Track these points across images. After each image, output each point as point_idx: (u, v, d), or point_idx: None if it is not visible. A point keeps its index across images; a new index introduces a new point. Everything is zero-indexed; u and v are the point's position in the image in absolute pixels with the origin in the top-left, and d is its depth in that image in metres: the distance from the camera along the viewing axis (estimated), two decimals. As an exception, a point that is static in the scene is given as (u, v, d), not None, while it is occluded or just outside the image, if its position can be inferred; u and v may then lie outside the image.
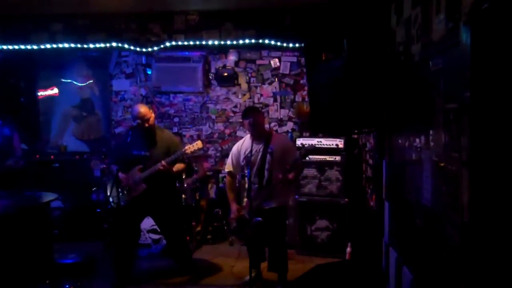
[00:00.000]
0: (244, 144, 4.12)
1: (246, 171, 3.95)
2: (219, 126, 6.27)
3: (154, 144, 4.25)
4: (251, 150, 3.84)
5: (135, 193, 4.19)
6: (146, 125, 4.17)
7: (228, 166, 4.21)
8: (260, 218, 3.65)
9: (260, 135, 4.00)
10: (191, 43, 5.89)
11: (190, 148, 4.15)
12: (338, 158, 5.01)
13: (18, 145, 5.01)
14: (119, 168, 4.30)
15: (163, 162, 4.07)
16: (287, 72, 6.09)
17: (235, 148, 4.20)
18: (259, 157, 3.97)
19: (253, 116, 3.96)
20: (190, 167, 5.44)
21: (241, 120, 6.12)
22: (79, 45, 6.00)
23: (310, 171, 5.08)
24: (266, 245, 4.12)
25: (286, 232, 4.26)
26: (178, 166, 4.29)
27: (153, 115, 4.27)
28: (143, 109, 4.22)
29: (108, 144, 6.33)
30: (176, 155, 4.13)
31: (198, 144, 4.19)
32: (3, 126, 4.90)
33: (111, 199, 4.33)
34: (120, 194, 4.26)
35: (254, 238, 3.87)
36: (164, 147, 4.23)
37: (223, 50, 6.13)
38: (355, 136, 5.28)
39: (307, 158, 5.06)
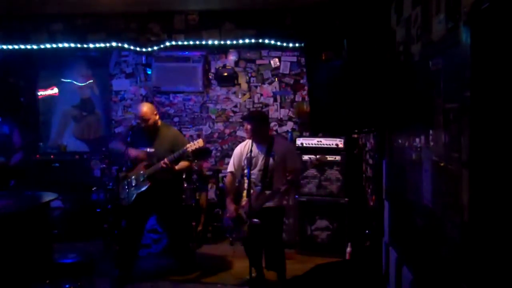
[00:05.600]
0: (246, 146, 4.14)
1: (246, 171, 3.96)
2: (219, 126, 6.27)
3: (158, 141, 4.29)
4: (252, 151, 3.86)
5: (139, 189, 4.22)
6: (143, 125, 4.21)
7: (230, 167, 4.24)
8: (258, 220, 3.67)
9: (260, 140, 4.03)
10: (191, 43, 5.89)
11: (192, 146, 4.18)
12: (338, 158, 5.01)
13: (18, 141, 4.99)
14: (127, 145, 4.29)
15: (165, 160, 4.11)
16: (287, 72, 6.08)
17: (237, 150, 4.24)
18: (261, 160, 4.01)
19: (252, 124, 4.00)
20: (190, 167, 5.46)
21: (241, 120, 6.14)
22: (79, 45, 5.99)
23: (310, 171, 5.08)
24: (263, 244, 4.13)
25: (285, 232, 4.27)
26: (182, 164, 4.32)
27: (156, 116, 4.31)
28: (145, 108, 4.27)
29: (108, 144, 6.33)
30: (178, 153, 4.16)
31: (199, 142, 4.22)
32: (2, 124, 4.89)
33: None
34: (126, 190, 4.26)
35: (250, 238, 3.88)
36: (168, 144, 4.27)
37: (223, 50, 6.12)
38: (355, 136, 5.28)
39: (308, 158, 5.07)
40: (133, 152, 4.27)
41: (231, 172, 4.23)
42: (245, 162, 4.06)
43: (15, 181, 5.07)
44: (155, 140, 4.30)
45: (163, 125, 4.50)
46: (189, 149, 4.19)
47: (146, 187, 4.20)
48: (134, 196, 4.23)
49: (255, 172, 3.99)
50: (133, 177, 4.29)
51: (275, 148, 4.02)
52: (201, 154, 5.36)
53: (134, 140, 4.29)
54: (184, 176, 5.26)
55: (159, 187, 4.23)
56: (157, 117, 4.35)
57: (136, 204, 4.25)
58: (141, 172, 4.23)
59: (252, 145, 3.87)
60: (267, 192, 3.93)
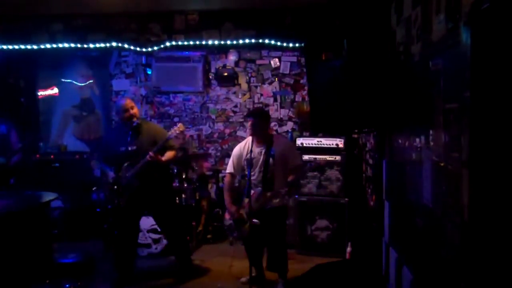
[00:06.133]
0: (246, 146, 4.13)
1: (247, 172, 3.95)
2: (219, 126, 6.27)
3: (140, 138, 4.22)
4: (252, 152, 3.85)
5: (130, 191, 4.16)
6: (131, 111, 4.15)
7: (229, 167, 4.21)
8: (257, 221, 3.67)
9: (260, 137, 4.02)
10: (191, 43, 5.89)
11: (172, 132, 4.16)
12: (338, 157, 5.01)
13: (16, 142, 4.99)
14: (108, 166, 4.30)
15: (150, 153, 4.04)
16: (287, 72, 6.08)
17: (237, 150, 4.21)
18: (261, 160, 3.99)
19: (256, 119, 3.98)
20: (188, 161, 5.47)
21: (241, 120, 6.15)
22: (79, 45, 5.99)
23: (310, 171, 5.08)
24: (265, 245, 4.13)
25: (286, 232, 4.27)
26: (168, 155, 4.26)
27: (136, 108, 4.27)
28: (127, 100, 4.28)
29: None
30: (161, 142, 4.12)
31: (180, 127, 4.20)
32: (0, 124, 4.88)
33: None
34: (118, 193, 4.25)
35: (250, 238, 3.89)
36: (150, 138, 4.21)
37: (223, 50, 6.13)
38: (355, 135, 5.28)
39: (307, 158, 5.07)
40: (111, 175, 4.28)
41: (230, 173, 4.21)
42: (245, 162, 4.05)
43: (15, 180, 5.06)
44: (136, 137, 4.21)
45: (142, 120, 4.46)
46: (171, 136, 4.17)
47: (137, 185, 4.13)
48: (126, 197, 4.17)
49: (255, 172, 3.98)
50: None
51: (275, 147, 4.01)
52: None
53: (118, 139, 4.22)
54: (184, 176, 5.27)
55: (149, 185, 4.19)
56: (137, 109, 4.31)
57: (129, 205, 4.19)
58: (127, 173, 4.17)
59: (252, 145, 3.88)
60: (268, 193, 3.92)
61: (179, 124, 4.23)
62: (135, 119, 4.17)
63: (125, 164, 4.18)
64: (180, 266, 4.48)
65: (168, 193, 4.60)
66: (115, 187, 4.22)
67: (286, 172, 3.98)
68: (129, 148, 4.19)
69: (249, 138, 4.13)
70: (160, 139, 4.17)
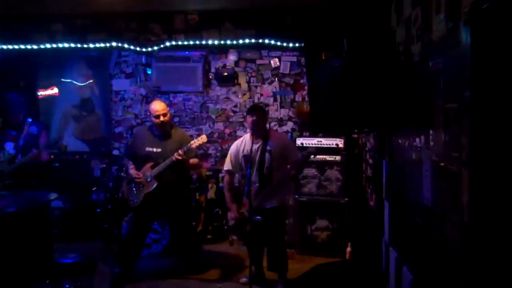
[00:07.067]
0: (243, 143, 4.14)
1: (246, 171, 3.96)
2: (219, 125, 6.27)
3: (167, 142, 4.30)
4: (250, 149, 3.86)
5: (147, 190, 4.21)
6: (162, 118, 4.21)
7: (227, 165, 4.22)
8: (259, 217, 3.67)
9: (259, 133, 4.02)
10: (191, 43, 5.88)
11: (195, 142, 4.19)
12: (338, 157, 5.02)
13: (43, 141, 4.95)
14: (133, 163, 4.35)
15: (179, 152, 4.09)
16: (287, 71, 6.08)
17: (234, 147, 4.22)
18: (258, 156, 3.99)
19: (257, 115, 3.99)
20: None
21: (241, 120, 6.15)
22: (79, 45, 5.98)
23: (310, 171, 5.08)
24: (266, 244, 4.13)
25: (286, 232, 4.27)
26: (194, 160, 4.34)
27: (169, 115, 4.33)
28: (162, 104, 4.33)
29: (108, 144, 6.35)
30: (183, 150, 4.16)
31: (203, 138, 4.24)
32: (31, 125, 4.86)
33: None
34: (134, 191, 4.28)
35: (253, 237, 3.89)
36: (176, 143, 4.27)
37: (223, 50, 6.12)
38: (355, 135, 5.28)
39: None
40: (132, 172, 4.33)
41: (228, 170, 4.21)
42: (243, 159, 4.06)
43: (37, 181, 5.00)
44: (164, 141, 4.30)
45: (172, 125, 4.52)
46: (193, 146, 4.19)
47: (154, 186, 4.19)
48: (142, 196, 4.23)
49: (253, 169, 3.99)
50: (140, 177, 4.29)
51: (272, 143, 4.01)
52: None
53: (146, 139, 4.32)
54: (195, 176, 5.30)
55: (167, 187, 4.23)
56: (169, 114, 4.39)
57: (144, 205, 4.25)
58: (148, 172, 4.23)
59: (249, 142, 3.88)
60: (266, 189, 3.92)
61: (203, 136, 4.27)
62: (162, 118, 4.23)
63: (149, 165, 4.25)
64: (188, 265, 4.52)
65: (186, 196, 4.64)
66: (133, 185, 4.28)
67: (285, 168, 3.98)
68: (154, 150, 4.26)
69: (246, 135, 4.15)
70: (185, 143, 4.23)
